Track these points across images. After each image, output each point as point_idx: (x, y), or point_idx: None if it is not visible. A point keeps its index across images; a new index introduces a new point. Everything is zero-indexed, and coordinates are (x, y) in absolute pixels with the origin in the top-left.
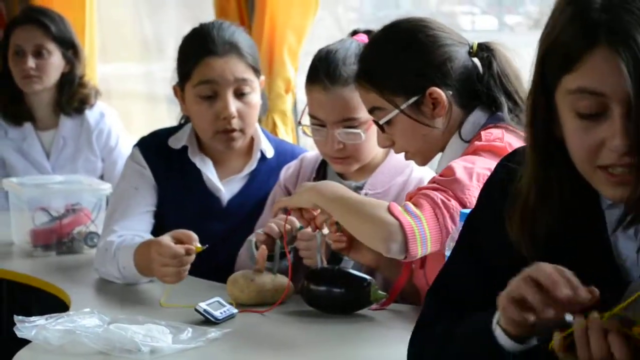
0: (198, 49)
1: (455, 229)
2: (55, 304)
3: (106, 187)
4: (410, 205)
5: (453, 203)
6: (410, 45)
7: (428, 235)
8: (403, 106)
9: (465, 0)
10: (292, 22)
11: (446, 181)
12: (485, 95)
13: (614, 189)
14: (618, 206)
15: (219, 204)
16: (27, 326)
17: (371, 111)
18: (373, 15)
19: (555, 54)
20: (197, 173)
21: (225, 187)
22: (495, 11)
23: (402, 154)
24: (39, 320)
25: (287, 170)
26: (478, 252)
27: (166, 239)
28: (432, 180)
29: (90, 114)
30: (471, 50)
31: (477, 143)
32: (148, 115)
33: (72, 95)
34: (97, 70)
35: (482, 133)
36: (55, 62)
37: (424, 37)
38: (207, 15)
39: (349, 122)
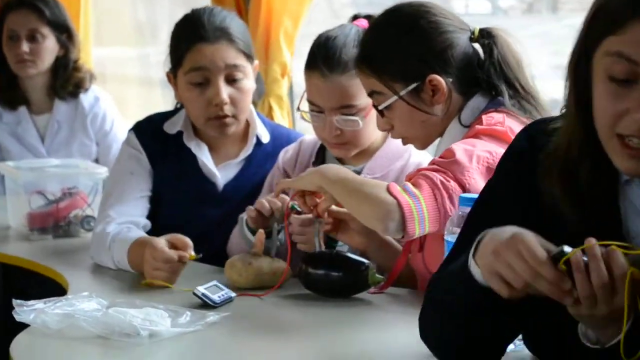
0: (189, 36)
1: (455, 212)
2: (52, 288)
3: (102, 171)
4: (409, 185)
5: (452, 184)
6: (412, 31)
7: (426, 215)
8: (402, 92)
9: None
10: (289, 7)
11: (446, 162)
12: (485, 82)
13: (628, 161)
14: (635, 182)
15: (215, 189)
16: (25, 310)
17: (370, 95)
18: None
19: (603, 16)
20: (193, 158)
21: (221, 172)
22: None
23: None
24: (38, 304)
25: (285, 154)
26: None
27: (161, 242)
28: (432, 162)
29: (85, 98)
30: (472, 36)
31: (478, 127)
32: (143, 99)
33: (67, 79)
34: (92, 54)
35: (484, 117)
36: (50, 46)
37: (425, 23)
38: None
39: (347, 109)
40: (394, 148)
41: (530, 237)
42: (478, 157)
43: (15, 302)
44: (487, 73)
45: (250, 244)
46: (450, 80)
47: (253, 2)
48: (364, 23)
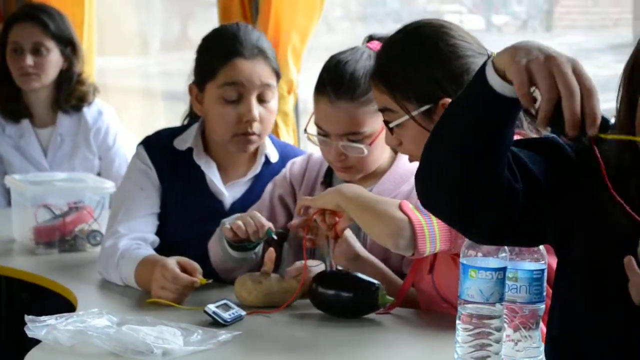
0: (226, 50)
1: None
2: (55, 302)
3: (109, 186)
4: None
5: None
6: (430, 54)
7: (437, 234)
8: (414, 113)
9: (452, 0)
10: (297, 23)
11: None
12: None
13: None
14: None
15: (222, 207)
16: (37, 326)
17: (382, 110)
18: (359, 12)
19: None
20: (201, 175)
21: (229, 190)
22: (483, 11)
23: (405, 157)
24: (49, 320)
25: (292, 165)
26: None
27: (172, 262)
28: None
29: (88, 112)
30: None
31: None
32: (143, 109)
33: (70, 93)
34: (94, 64)
35: None
36: (54, 59)
37: (444, 47)
38: (204, 12)
39: (353, 135)
40: (401, 171)
41: None
42: None
43: (27, 317)
44: None
45: (225, 253)
46: None
47: (261, 18)
48: (377, 46)
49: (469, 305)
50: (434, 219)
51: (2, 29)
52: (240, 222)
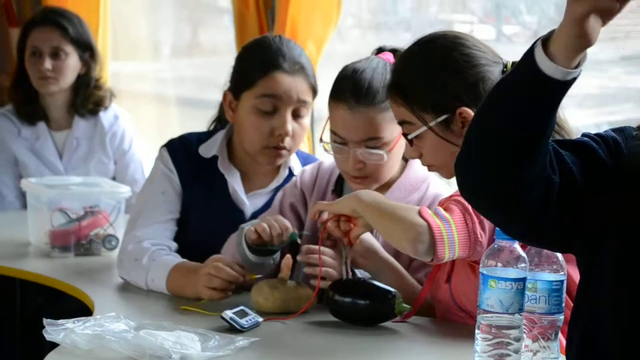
0: (268, 61)
1: (485, 237)
2: (71, 306)
3: (125, 190)
4: (440, 209)
5: None
6: (445, 64)
7: (456, 239)
8: (432, 123)
9: (463, 9)
10: (313, 32)
11: None
12: None
13: None
14: None
15: (242, 217)
16: (55, 329)
17: (400, 123)
18: (371, 21)
19: None
20: (224, 184)
21: (250, 200)
22: (493, 21)
23: (415, 166)
24: (67, 324)
25: (303, 173)
26: None
27: (223, 260)
28: None
29: (105, 116)
30: (505, 69)
31: None
32: (156, 115)
33: (87, 97)
34: (109, 69)
35: None
36: (72, 63)
37: (458, 56)
38: (215, 18)
39: (372, 142)
40: (412, 180)
41: None
42: None
43: (46, 321)
44: None
45: (244, 258)
46: None
47: (277, 26)
48: (389, 57)
49: (488, 315)
50: (453, 225)
51: (21, 32)
52: (265, 225)
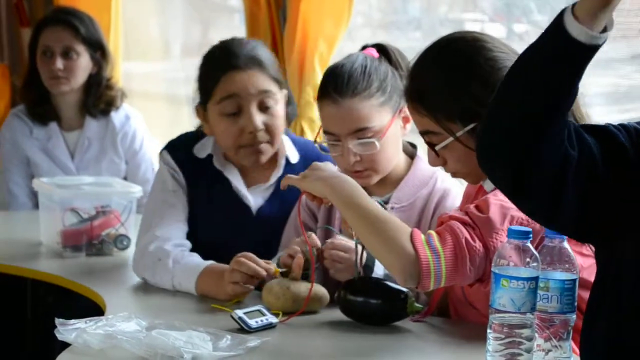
0: (220, 66)
1: (481, 252)
2: (81, 306)
3: (136, 190)
4: (433, 238)
5: (477, 245)
6: (469, 71)
7: (443, 273)
8: (459, 133)
9: (473, 8)
10: (325, 32)
11: (478, 218)
12: None
13: None
14: None
15: (249, 212)
16: (67, 329)
17: (424, 133)
18: (381, 20)
19: None
20: (225, 181)
21: (253, 195)
22: (504, 19)
23: (423, 161)
24: (79, 324)
25: None
26: None
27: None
28: (466, 211)
29: (116, 116)
30: None
31: None
32: (168, 114)
33: (99, 97)
34: (120, 69)
35: None
36: (83, 63)
37: (482, 61)
38: (226, 18)
39: (362, 132)
40: (419, 176)
41: None
42: (512, 217)
43: (57, 320)
44: None
45: None
46: None
47: (288, 25)
48: (373, 52)
49: (501, 315)
50: (443, 259)
51: (33, 32)
52: (294, 246)
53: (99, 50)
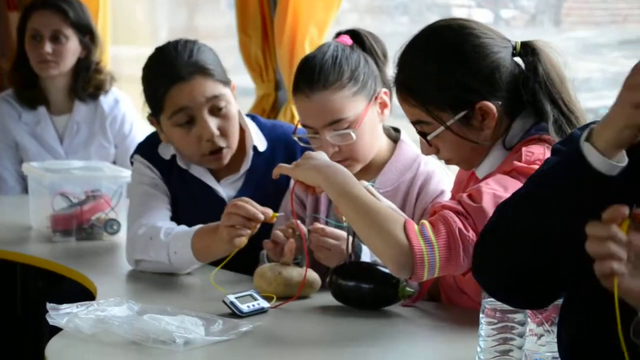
0: (163, 80)
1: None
2: (71, 290)
3: (127, 175)
4: (427, 227)
5: (470, 234)
6: (457, 59)
7: (437, 263)
8: (450, 122)
9: None
10: (315, 16)
11: (471, 207)
12: (531, 103)
13: None
14: None
15: (223, 204)
16: (58, 314)
17: (415, 123)
18: (368, 5)
19: None
20: (194, 178)
21: (224, 188)
22: (491, 5)
23: (406, 145)
24: (70, 308)
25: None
26: None
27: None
28: (459, 200)
29: (105, 100)
30: (514, 51)
31: (516, 163)
32: None
33: (88, 81)
34: (109, 53)
35: (524, 150)
36: (72, 47)
37: (470, 48)
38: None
39: (337, 124)
40: (402, 160)
41: None
42: None
43: (49, 305)
44: (532, 92)
45: None
46: (500, 103)
47: (279, 11)
48: (346, 39)
49: (493, 299)
50: (436, 249)
51: (21, 16)
52: (277, 232)
53: (87, 34)
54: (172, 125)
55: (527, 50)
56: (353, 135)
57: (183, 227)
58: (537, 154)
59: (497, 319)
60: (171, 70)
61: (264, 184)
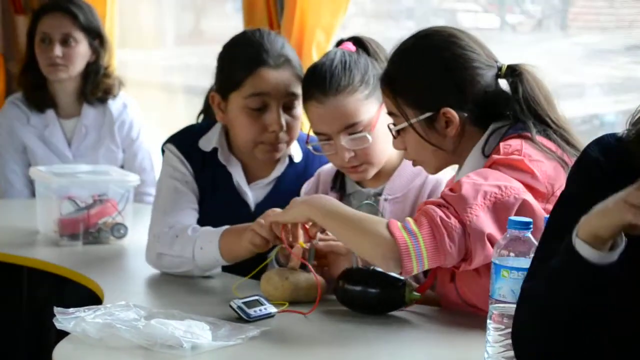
0: (251, 59)
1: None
2: (77, 294)
3: (134, 179)
4: (409, 222)
5: (452, 221)
6: (435, 63)
7: (424, 253)
8: (413, 120)
9: None
10: (322, 21)
11: (451, 197)
12: (512, 118)
13: None
14: None
15: (248, 209)
16: (66, 318)
17: (389, 114)
18: (374, 10)
19: None
20: (227, 176)
21: (252, 191)
22: (497, 10)
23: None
24: (77, 312)
25: (307, 187)
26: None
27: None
28: (441, 195)
29: (113, 105)
30: (499, 73)
31: (495, 157)
32: (162, 103)
33: (97, 85)
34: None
35: (501, 145)
36: (82, 51)
37: (449, 56)
38: (218, 6)
39: (352, 127)
40: (411, 167)
41: None
42: (485, 192)
43: (56, 309)
44: (512, 110)
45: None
46: (465, 115)
47: (286, 14)
48: (349, 46)
49: (501, 305)
50: (421, 239)
51: (32, 18)
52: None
53: (97, 38)
54: (243, 106)
55: (512, 72)
56: (369, 137)
57: (210, 229)
58: (515, 145)
59: (505, 324)
60: (263, 53)
61: (292, 193)
